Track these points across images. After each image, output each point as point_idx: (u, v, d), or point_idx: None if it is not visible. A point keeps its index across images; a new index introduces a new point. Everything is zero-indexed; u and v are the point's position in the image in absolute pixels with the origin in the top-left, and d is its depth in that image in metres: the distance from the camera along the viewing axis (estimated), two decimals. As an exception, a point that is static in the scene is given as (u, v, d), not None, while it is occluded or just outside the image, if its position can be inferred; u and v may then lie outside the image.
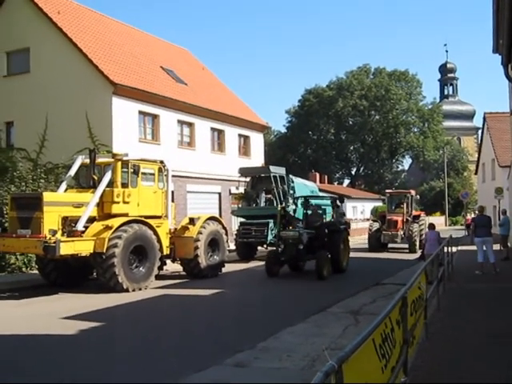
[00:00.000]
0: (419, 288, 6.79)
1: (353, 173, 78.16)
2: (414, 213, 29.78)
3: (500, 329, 8.89)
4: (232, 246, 22.27)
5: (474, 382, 6.11)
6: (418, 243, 27.32)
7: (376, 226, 28.76)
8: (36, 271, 16.29)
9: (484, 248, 16.42)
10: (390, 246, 29.01)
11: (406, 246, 28.06)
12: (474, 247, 26.42)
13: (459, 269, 17.29)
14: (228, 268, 18.62)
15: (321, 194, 30.53)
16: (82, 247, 13.58)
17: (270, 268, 17.00)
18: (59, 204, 13.78)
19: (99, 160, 15.52)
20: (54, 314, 10.92)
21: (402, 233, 27.76)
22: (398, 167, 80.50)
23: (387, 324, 4.39)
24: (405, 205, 28.67)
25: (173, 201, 18.33)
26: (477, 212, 23.48)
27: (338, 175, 79.27)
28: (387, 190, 33.40)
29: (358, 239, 35.84)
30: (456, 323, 9.34)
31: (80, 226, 13.69)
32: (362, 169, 76.98)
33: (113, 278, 13.80)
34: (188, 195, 27.02)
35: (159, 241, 15.40)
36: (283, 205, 22.56)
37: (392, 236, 27.66)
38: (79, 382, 6.71)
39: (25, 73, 25.22)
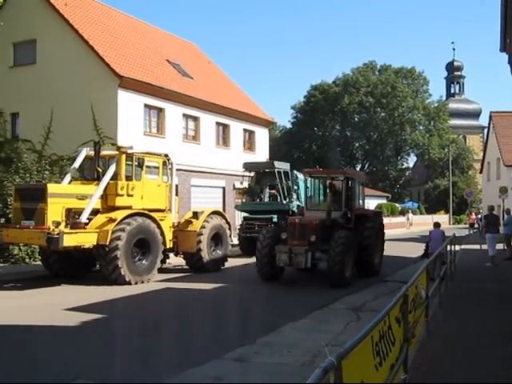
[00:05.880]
0: (416, 287, 6.77)
1: (357, 170, 77.98)
2: (361, 211, 16.57)
3: (501, 328, 8.89)
4: (235, 241, 22.26)
5: (475, 382, 6.11)
6: (348, 271, 13.83)
7: (272, 232, 15.11)
8: (39, 262, 16.33)
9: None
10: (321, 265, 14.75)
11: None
12: (477, 246, 26.54)
13: (462, 267, 17.26)
14: (231, 263, 18.61)
15: None
16: (86, 239, 13.62)
17: None
18: (63, 196, 13.80)
19: (104, 152, 15.50)
20: (56, 306, 10.95)
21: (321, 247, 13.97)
22: (402, 165, 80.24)
23: (385, 321, 4.39)
24: (329, 195, 15.31)
25: (177, 194, 18.34)
26: (481, 211, 23.52)
27: (342, 172, 79.02)
28: (305, 169, 18.53)
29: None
30: (457, 321, 9.33)
31: (84, 218, 13.72)
32: (366, 166, 76.80)
33: (115, 271, 13.81)
34: (192, 189, 27.04)
35: (162, 234, 15.39)
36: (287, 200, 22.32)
37: (291, 254, 13.76)
38: (81, 376, 6.72)
39: (31, 64, 25.27)
